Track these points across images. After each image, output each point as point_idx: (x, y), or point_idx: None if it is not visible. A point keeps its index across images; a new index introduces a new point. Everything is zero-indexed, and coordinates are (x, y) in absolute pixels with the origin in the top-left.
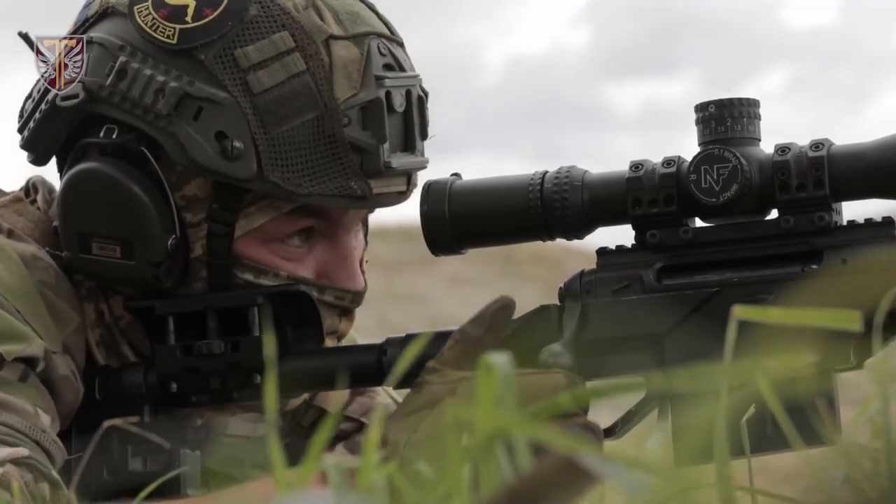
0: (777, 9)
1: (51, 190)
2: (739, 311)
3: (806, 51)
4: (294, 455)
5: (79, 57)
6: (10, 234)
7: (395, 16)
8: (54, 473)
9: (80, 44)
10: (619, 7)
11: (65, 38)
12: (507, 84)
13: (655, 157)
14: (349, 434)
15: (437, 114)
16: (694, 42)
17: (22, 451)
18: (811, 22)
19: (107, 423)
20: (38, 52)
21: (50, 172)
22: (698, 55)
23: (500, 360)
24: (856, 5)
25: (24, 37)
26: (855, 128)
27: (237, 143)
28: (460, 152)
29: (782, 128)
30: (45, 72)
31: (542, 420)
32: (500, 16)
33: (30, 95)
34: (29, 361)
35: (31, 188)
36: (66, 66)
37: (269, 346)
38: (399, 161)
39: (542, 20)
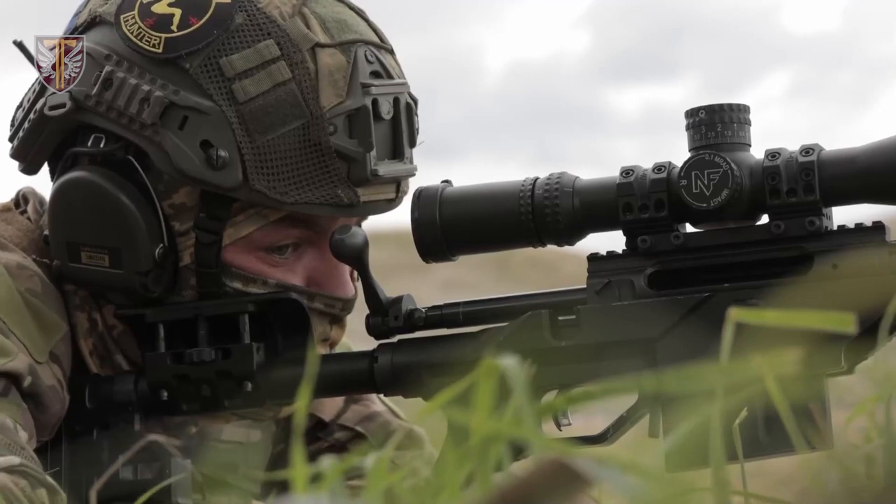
0: (778, 14)
1: (41, 201)
2: (736, 314)
3: (807, 55)
4: (289, 462)
5: (78, 57)
6: None
7: (396, 20)
8: (49, 478)
9: (80, 44)
10: (620, 11)
11: (64, 37)
12: (508, 88)
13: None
14: (344, 443)
15: (439, 117)
16: (695, 46)
17: (13, 460)
18: (812, 26)
19: (150, 437)
20: (37, 55)
21: (41, 181)
22: (699, 59)
23: (506, 362)
24: (857, 10)
25: (20, 45)
26: (857, 131)
27: (222, 152)
28: (461, 156)
29: (783, 132)
30: (43, 72)
31: (536, 422)
32: (501, 20)
33: (20, 105)
34: (10, 376)
35: (21, 199)
36: (65, 66)
37: (313, 356)
38: (386, 169)
39: (543, 24)
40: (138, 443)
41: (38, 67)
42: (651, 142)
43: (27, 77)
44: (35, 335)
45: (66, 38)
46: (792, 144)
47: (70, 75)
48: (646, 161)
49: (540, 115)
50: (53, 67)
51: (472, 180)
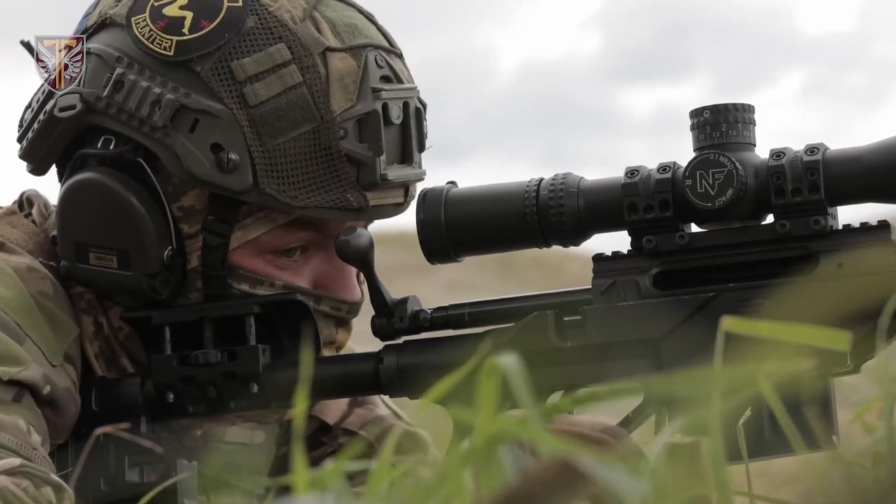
0: (791, 14)
1: (46, 204)
2: (727, 324)
3: (820, 55)
4: (293, 465)
5: (79, 56)
6: (2, 246)
7: (408, 21)
8: (54, 476)
9: (81, 44)
10: (631, 11)
11: (64, 37)
12: (518, 89)
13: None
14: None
15: (449, 118)
16: (706, 46)
17: (13, 462)
18: (826, 26)
19: (98, 431)
20: (38, 56)
21: (49, 182)
22: (711, 60)
23: (507, 360)
24: (872, 10)
25: (27, 45)
26: (869, 132)
27: (233, 156)
28: (471, 156)
29: (796, 132)
30: (46, 73)
31: (542, 423)
32: (513, 21)
33: (29, 105)
34: (24, 385)
35: (25, 202)
36: (66, 66)
37: (307, 360)
38: (396, 173)
39: (554, 25)
40: (90, 439)
41: (42, 69)
42: (662, 143)
43: (35, 79)
44: (49, 337)
45: (66, 38)
46: (803, 145)
47: (71, 75)
48: (656, 162)
49: (550, 115)
50: (54, 67)
51: (481, 181)
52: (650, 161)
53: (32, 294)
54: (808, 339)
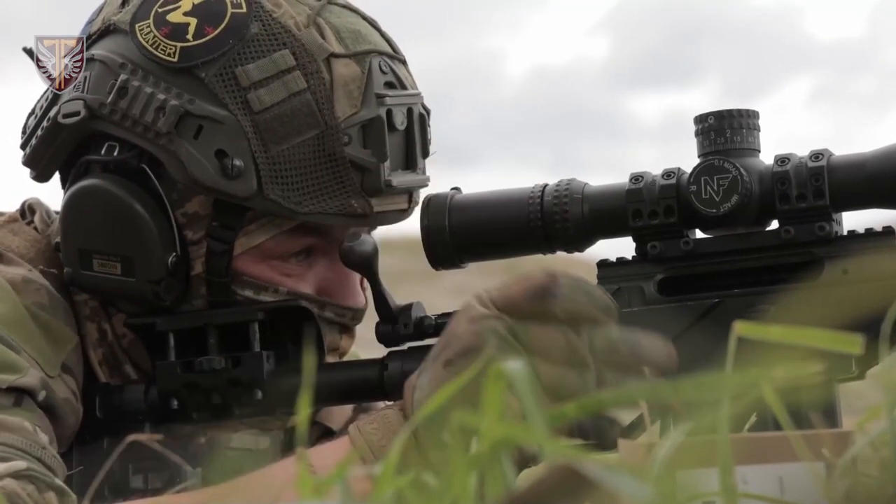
0: (801, 19)
1: (48, 211)
2: (740, 328)
3: (830, 60)
4: None
5: (79, 57)
6: (0, 257)
7: (418, 26)
8: (58, 481)
9: (81, 44)
10: (639, 17)
11: (64, 37)
12: (527, 94)
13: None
14: None
15: (458, 123)
16: (715, 52)
17: (20, 465)
18: (836, 32)
19: (130, 438)
20: (37, 57)
21: (52, 189)
22: (719, 65)
23: (514, 366)
24: (882, 16)
25: (30, 52)
26: (878, 137)
27: (237, 162)
28: (479, 162)
29: (804, 137)
30: (46, 74)
31: (549, 429)
32: (520, 26)
33: (32, 112)
34: (23, 391)
35: (27, 209)
36: (66, 66)
37: (309, 362)
38: (400, 179)
39: (561, 30)
40: (121, 444)
41: (42, 70)
42: (670, 148)
43: (40, 86)
44: (45, 349)
45: (66, 39)
46: (808, 151)
47: (70, 75)
48: (667, 167)
49: (558, 121)
50: (53, 68)
51: (489, 186)
52: (659, 167)
53: (27, 306)
54: (821, 342)
